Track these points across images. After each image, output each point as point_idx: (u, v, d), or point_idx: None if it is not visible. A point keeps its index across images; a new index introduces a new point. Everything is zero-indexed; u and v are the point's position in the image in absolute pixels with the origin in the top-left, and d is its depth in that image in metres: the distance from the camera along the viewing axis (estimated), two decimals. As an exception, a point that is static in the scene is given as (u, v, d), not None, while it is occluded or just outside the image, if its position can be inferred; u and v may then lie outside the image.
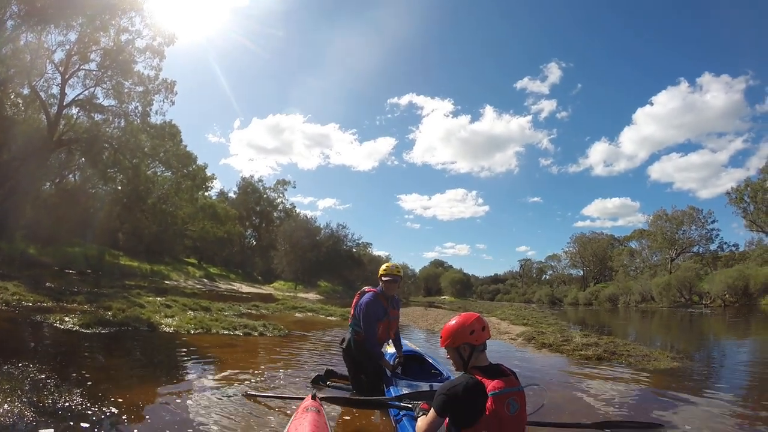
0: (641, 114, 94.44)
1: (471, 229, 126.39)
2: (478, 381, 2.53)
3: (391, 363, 4.63)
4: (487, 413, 2.45)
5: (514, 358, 7.87)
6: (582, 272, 72.07)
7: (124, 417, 3.45)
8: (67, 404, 3.52)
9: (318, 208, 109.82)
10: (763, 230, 41.89)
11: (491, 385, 2.49)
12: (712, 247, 50.83)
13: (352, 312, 4.75)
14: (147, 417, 3.56)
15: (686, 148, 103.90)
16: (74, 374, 4.43)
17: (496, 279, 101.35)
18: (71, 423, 3.16)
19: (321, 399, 3.37)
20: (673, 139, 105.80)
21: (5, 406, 3.24)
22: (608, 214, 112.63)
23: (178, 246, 42.37)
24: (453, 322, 2.78)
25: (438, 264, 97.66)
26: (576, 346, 9.01)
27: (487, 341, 2.77)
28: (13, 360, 4.57)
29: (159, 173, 34.00)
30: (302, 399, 4.13)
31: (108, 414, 3.44)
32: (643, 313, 29.93)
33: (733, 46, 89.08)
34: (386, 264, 4.77)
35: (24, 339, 6.39)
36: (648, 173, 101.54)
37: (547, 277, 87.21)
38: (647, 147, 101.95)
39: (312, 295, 38.82)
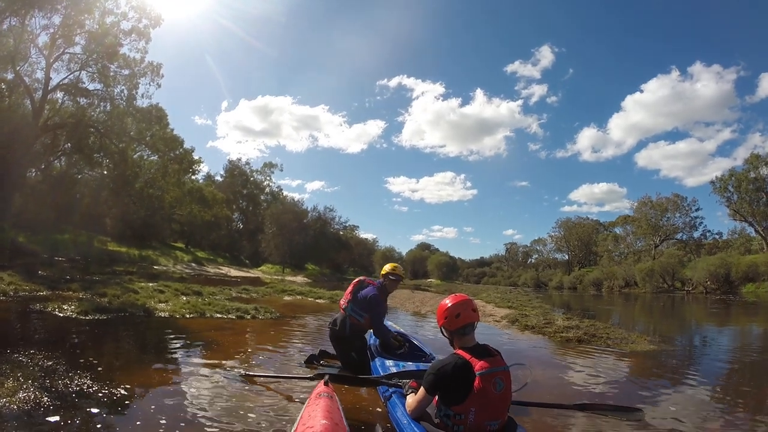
0: (630, 101, 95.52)
1: (458, 213, 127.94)
2: (466, 360, 2.69)
3: (376, 345, 4.95)
4: (474, 391, 2.62)
5: (498, 339, 8.22)
6: (567, 257, 73.18)
7: (132, 400, 3.68)
8: (78, 389, 3.72)
9: (306, 190, 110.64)
10: (746, 219, 42.97)
11: (479, 364, 2.66)
12: (696, 234, 52.02)
13: (348, 297, 4.96)
14: (152, 400, 3.79)
15: (674, 136, 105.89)
16: (81, 360, 4.61)
17: (482, 262, 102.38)
18: (86, 407, 3.38)
19: (328, 378, 3.48)
20: (661, 126, 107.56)
21: (21, 393, 3.41)
22: (595, 199, 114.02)
23: (165, 230, 42.30)
24: (444, 302, 2.99)
25: (425, 247, 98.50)
26: (558, 328, 9.35)
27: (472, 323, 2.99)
28: (19, 349, 4.74)
29: (146, 157, 33.83)
30: (299, 378, 4.40)
31: (117, 396, 3.66)
32: (627, 297, 30.63)
33: (726, 37, 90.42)
34: (392, 264, 5.09)
35: (26, 328, 6.51)
36: (635, 160, 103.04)
37: (533, 260, 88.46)
38: (635, 134, 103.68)
39: (300, 278, 39.11)
